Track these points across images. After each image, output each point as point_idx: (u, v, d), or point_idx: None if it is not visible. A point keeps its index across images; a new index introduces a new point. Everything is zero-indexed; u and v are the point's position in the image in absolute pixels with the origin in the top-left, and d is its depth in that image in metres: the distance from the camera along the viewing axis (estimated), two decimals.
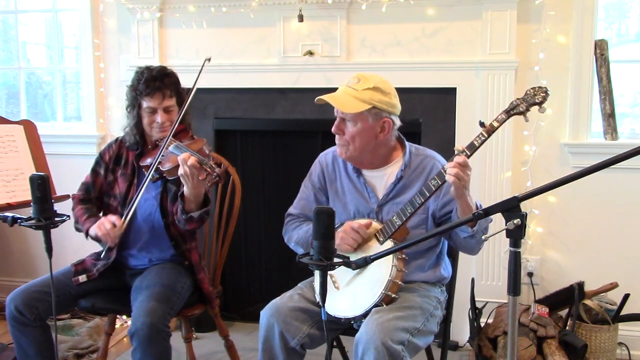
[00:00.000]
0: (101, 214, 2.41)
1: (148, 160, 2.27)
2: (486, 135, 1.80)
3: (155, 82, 2.24)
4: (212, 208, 2.65)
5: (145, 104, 2.26)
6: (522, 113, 1.81)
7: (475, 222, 1.82)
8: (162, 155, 2.19)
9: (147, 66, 2.31)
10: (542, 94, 1.80)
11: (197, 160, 2.02)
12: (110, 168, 2.40)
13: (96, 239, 2.24)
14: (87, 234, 2.28)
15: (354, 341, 1.80)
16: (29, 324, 2.18)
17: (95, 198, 2.42)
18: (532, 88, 1.82)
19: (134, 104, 2.30)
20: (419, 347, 1.88)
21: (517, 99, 1.83)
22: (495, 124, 1.81)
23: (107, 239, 2.19)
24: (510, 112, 1.82)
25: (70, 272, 2.33)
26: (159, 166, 2.19)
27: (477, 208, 1.84)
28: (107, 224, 2.18)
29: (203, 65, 2.29)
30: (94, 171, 2.42)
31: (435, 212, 2.01)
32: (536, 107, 1.81)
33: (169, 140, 2.20)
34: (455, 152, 1.80)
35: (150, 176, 2.20)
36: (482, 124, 1.81)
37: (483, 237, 1.81)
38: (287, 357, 1.89)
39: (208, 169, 2.01)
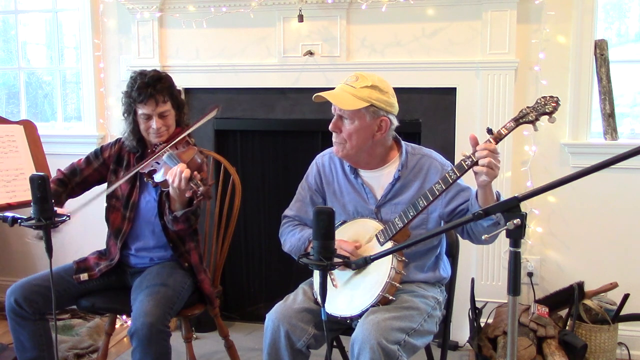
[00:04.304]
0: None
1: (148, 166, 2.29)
2: (493, 143, 1.77)
3: (147, 88, 2.23)
4: (212, 208, 2.67)
5: (140, 110, 2.26)
6: (532, 122, 1.77)
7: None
8: (157, 163, 2.21)
9: (141, 71, 2.30)
10: (552, 104, 1.75)
11: (185, 179, 2.04)
12: (111, 169, 2.40)
13: (96, 257, 2.26)
14: None
15: (350, 341, 1.81)
16: (27, 318, 2.19)
17: (76, 184, 2.42)
18: (542, 97, 1.77)
19: (130, 111, 2.30)
20: (417, 347, 1.87)
21: (527, 107, 1.78)
22: (504, 132, 1.77)
23: None
24: (519, 121, 1.77)
25: (71, 269, 2.34)
26: (153, 176, 2.21)
27: (497, 197, 1.82)
28: None
29: (212, 113, 2.30)
30: (88, 160, 2.43)
31: (443, 212, 2.00)
32: (546, 117, 1.76)
33: (164, 149, 2.23)
34: (462, 158, 1.79)
35: (133, 173, 2.23)
36: (489, 131, 1.78)
37: (483, 237, 1.80)
38: (293, 359, 1.89)
39: (194, 187, 2.04)
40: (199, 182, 2.05)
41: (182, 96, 2.47)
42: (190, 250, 2.37)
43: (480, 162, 1.73)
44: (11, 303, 2.18)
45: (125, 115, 2.33)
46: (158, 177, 2.18)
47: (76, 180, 2.41)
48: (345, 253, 1.90)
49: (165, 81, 2.30)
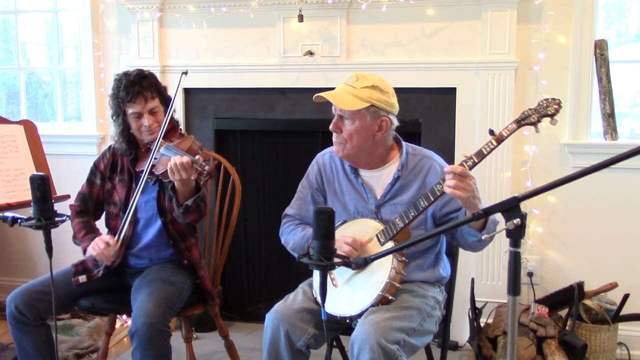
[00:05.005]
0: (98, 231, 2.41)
1: (143, 165, 2.28)
2: (495, 144, 1.78)
3: (134, 86, 2.23)
4: (212, 208, 2.67)
5: (130, 110, 2.26)
6: (534, 124, 1.78)
7: (484, 224, 1.82)
8: (155, 158, 2.20)
9: (125, 72, 2.31)
10: (554, 106, 1.76)
11: (187, 164, 2.03)
12: (107, 176, 2.40)
13: (93, 259, 2.26)
14: (84, 253, 2.28)
15: (350, 341, 1.81)
16: (29, 324, 2.18)
17: (93, 208, 2.43)
18: (544, 99, 1.78)
19: (119, 112, 2.30)
20: (416, 346, 1.88)
21: (529, 109, 1.79)
22: (505, 133, 1.78)
23: (102, 258, 2.21)
24: (521, 122, 1.78)
25: (70, 272, 2.33)
26: (153, 170, 2.20)
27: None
28: (100, 243, 2.19)
29: (180, 79, 2.28)
30: (90, 181, 2.43)
31: (436, 213, 2.01)
32: (547, 119, 1.77)
33: (159, 142, 2.21)
34: (462, 159, 1.79)
35: (144, 181, 2.21)
36: (491, 132, 1.79)
37: (483, 237, 1.80)
38: (293, 359, 1.89)
39: (199, 168, 2.03)
40: (202, 162, 2.04)
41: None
42: (191, 247, 2.37)
43: (445, 183, 1.75)
44: (12, 310, 2.18)
45: (114, 117, 2.32)
46: (158, 170, 2.17)
47: (91, 205, 2.42)
48: (347, 247, 1.90)
49: (151, 78, 2.31)
